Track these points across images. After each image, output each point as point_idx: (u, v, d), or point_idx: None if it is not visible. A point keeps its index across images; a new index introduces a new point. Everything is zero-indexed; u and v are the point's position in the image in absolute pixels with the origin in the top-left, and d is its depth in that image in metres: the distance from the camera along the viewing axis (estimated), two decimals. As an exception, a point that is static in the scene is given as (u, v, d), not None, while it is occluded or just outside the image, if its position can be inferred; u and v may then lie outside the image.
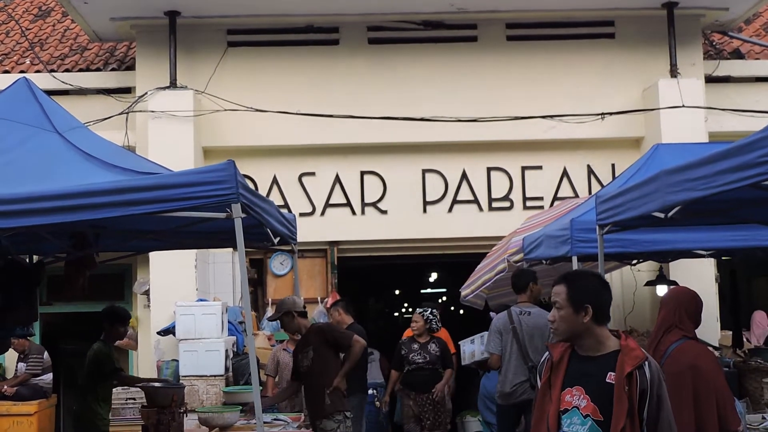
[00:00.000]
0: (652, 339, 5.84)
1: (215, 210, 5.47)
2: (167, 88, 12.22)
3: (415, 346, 10.66)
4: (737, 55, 13.84)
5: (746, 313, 13.85)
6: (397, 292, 26.70)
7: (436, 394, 10.52)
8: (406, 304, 28.04)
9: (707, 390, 5.39)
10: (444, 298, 23.88)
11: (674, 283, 10.99)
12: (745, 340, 12.07)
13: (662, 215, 6.06)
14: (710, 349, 9.52)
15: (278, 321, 8.20)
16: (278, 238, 7.05)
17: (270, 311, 12.40)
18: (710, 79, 13.07)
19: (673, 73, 12.59)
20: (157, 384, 8.00)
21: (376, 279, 21.08)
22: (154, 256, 11.53)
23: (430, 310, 10.61)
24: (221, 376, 10.34)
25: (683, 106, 12.18)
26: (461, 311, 19.73)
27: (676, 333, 5.62)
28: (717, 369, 5.61)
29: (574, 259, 7.97)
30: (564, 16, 12.97)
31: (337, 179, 12.93)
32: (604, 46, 13.10)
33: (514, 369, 8.59)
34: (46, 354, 9.20)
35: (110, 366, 8.07)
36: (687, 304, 5.74)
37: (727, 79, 13.39)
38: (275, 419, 8.13)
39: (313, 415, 7.76)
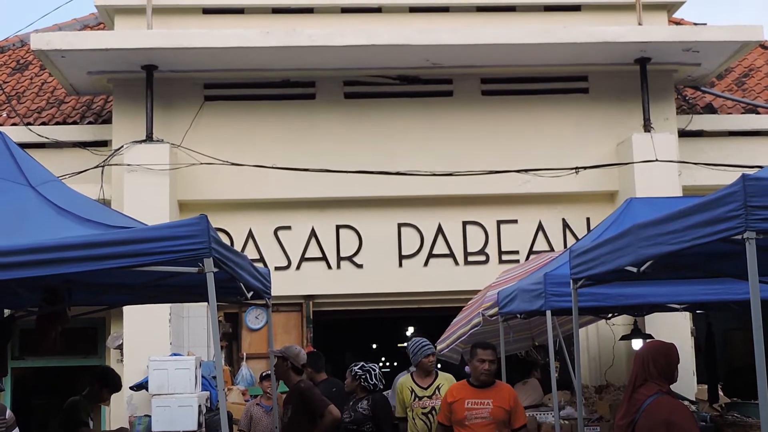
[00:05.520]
0: (626, 394, 5.83)
1: (188, 264, 5.45)
2: (143, 141, 12.23)
3: (350, 403, 8.72)
4: (710, 109, 14.03)
5: (723, 366, 13.85)
6: (374, 346, 26.62)
7: None
8: (383, 358, 27.94)
9: (681, 445, 5.37)
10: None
11: (649, 336, 11.00)
12: None
13: (635, 269, 6.07)
14: (686, 403, 9.54)
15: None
16: (252, 293, 7.01)
17: (244, 366, 12.33)
18: (683, 134, 13.23)
19: (647, 127, 12.72)
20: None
21: (353, 333, 21.02)
22: (128, 310, 11.44)
23: (360, 365, 8.75)
24: (194, 431, 10.23)
25: (657, 160, 12.30)
26: (439, 365, 19.69)
27: (650, 387, 5.61)
28: (692, 424, 5.59)
29: (548, 313, 7.97)
30: (538, 71, 13.12)
31: (313, 233, 12.93)
32: (578, 101, 13.24)
33: None
34: (8, 412, 9.06)
35: (78, 417, 7.85)
36: (656, 358, 5.73)
37: (700, 134, 13.56)
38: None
39: None
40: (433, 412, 8.23)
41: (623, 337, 11.78)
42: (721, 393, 12.29)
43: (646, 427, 5.47)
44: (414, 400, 8.54)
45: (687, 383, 11.54)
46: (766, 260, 5.03)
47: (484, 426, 7.18)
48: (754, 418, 9.30)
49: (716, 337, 13.76)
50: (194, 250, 5.27)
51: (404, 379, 8.83)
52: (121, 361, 11.84)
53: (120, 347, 11.92)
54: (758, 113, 13.92)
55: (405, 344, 11.55)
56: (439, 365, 9.63)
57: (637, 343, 11.23)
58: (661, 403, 5.53)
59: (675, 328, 11.48)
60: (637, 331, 11.50)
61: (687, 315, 11.83)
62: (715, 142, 13.53)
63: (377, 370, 8.70)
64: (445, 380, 8.55)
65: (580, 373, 8.48)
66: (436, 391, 8.40)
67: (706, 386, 12.23)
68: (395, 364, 26.23)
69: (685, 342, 11.78)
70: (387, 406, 8.75)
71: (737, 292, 7.80)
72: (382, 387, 8.74)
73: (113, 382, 7.98)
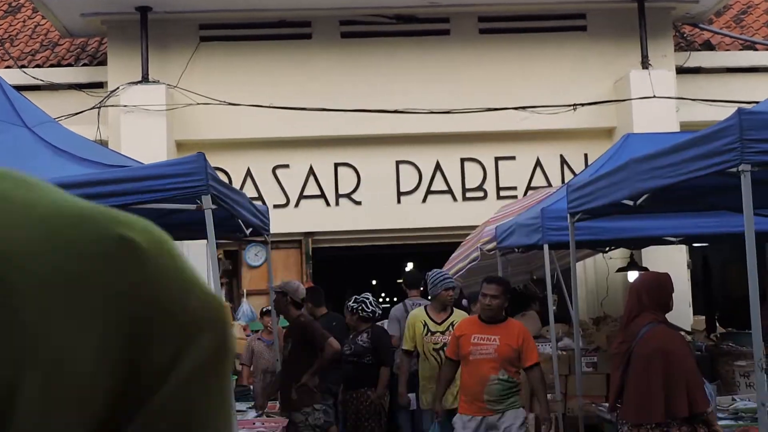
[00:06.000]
0: (622, 324, 5.91)
1: (186, 201, 5.49)
2: (139, 82, 12.19)
3: (350, 336, 8.90)
4: (708, 46, 13.95)
5: (720, 298, 13.99)
6: (374, 282, 26.78)
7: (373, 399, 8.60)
8: (383, 294, 28.12)
9: (677, 373, 5.45)
10: (421, 288, 23.98)
11: (645, 269, 11.09)
12: None
13: (631, 203, 6.12)
14: (681, 334, 9.64)
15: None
16: (251, 229, 7.06)
17: (245, 302, 12.45)
18: (681, 71, 13.17)
19: (645, 64, 12.67)
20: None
21: (353, 270, 21.14)
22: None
23: (353, 299, 8.84)
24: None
25: (654, 96, 12.27)
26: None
27: (646, 317, 5.68)
28: (687, 352, 5.68)
29: (546, 247, 8.04)
30: (536, 9, 13.03)
31: (311, 171, 12.96)
32: (576, 38, 13.17)
33: None
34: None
35: None
36: (650, 289, 5.79)
37: (698, 71, 13.49)
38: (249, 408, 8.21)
39: (283, 406, 7.85)
40: (445, 348, 7.86)
41: (619, 270, 11.86)
42: (717, 324, 12.43)
43: (642, 356, 5.55)
44: (426, 334, 8.25)
45: (683, 314, 11.64)
46: (761, 193, 5.06)
47: (488, 362, 6.86)
48: (749, 348, 9.42)
49: (713, 269, 13.89)
50: (192, 187, 5.31)
51: (418, 312, 8.57)
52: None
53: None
54: (756, 50, 13.85)
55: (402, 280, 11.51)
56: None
57: (632, 275, 11.32)
58: (657, 333, 5.61)
59: (671, 261, 11.54)
60: (633, 264, 11.58)
61: (683, 248, 11.90)
62: (713, 78, 13.48)
63: (370, 298, 8.85)
64: (460, 317, 8.22)
65: (578, 304, 8.57)
66: (450, 328, 8.12)
67: (704, 317, 12.36)
68: (395, 299, 26.44)
69: (681, 274, 11.85)
70: (387, 337, 8.92)
71: (733, 224, 7.81)
72: (380, 312, 8.92)
73: None
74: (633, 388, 5.62)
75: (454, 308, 8.56)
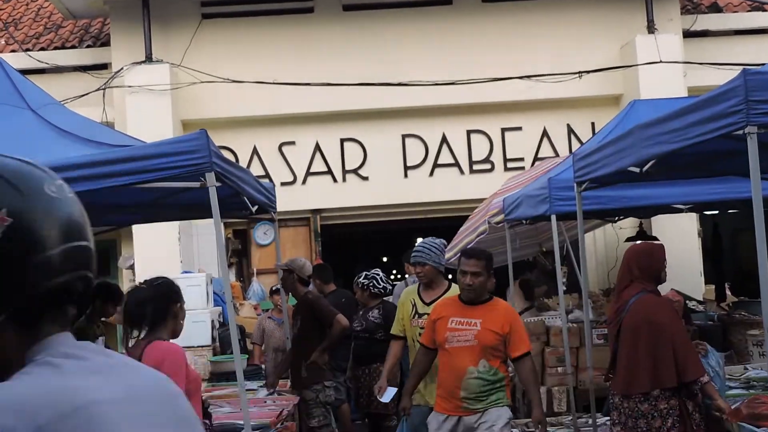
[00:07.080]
0: (615, 295, 5.93)
1: (190, 179, 5.45)
2: (143, 62, 12.17)
3: (360, 313, 8.75)
4: (715, 8, 13.81)
5: (732, 267, 13.91)
6: (384, 258, 26.76)
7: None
8: (394, 271, 28.10)
9: (663, 342, 5.46)
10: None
11: (654, 238, 11.03)
12: None
13: (638, 170, 6.06)
14: (692, 303, 9.60)
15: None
16: (256, 207, 7.03)
17: (255, 281, 12.47)
18: (688, 34, 13.07)
19: (650, 29, 12.58)
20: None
21: (363, 246, 21.14)
22: (137, 230, 11.54)
23: (363, 275, 8.63)
24: (208, 346, 10.39)
25: (661, 61, 12.18)
26: (449, 276, 19.75)
27: (635, 287, 5.71)
28: (675, 321, 5.68)
29: (553, 217, 7.98)
30: (539, -26, 12.92)
31: (317, 147, 12.93)
32: (581, 4, 13.07)
33: None
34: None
35: None
36: (639, 258, 5.79)
37: (705, 34, 13.39)
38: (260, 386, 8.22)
39: (294, 383, 7.85)
40: None
41: (628, 239, 11.81)
42: (728, 293, 12.37)
43: (629, 327, 5.60)
44: (414, 316, 6.97)
45: (694, 284, 11.60)
46: (768, 156, 5.00)
47: (466, 351, 5.80)
48: (761, 316, 9.35)
49: (723, 237, 13.81)
50: (195, 164, 5.27)
51: (410, 289, 7.35)
52: (134, 280, 11.94)
53: (132, 267, 12.03)
54: (764, 10, 13.70)
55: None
56: (450, 275, 7.90)
57: (640, 245, 11.25)
58: (643, 303, 5.62)
59: (681, 230, 11.50)
60: (642, 233, 11.52)
61: (694, 216, 11.83)
62: (721, 41, 13.38)
63: (381, 274, 8.83)
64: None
65: (587, 276, 8.53)
66: None
67: (714, 286, 12.30)
68: (406, 276, 26.47)
69: (692, 243, 11.81)
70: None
71: (742, 190, 7.75)
72: (391, 288, 8.91)
73: (114, 294, 7.97)
74: (621, 359, 5.66)
75: (453, 284, 6.95)
